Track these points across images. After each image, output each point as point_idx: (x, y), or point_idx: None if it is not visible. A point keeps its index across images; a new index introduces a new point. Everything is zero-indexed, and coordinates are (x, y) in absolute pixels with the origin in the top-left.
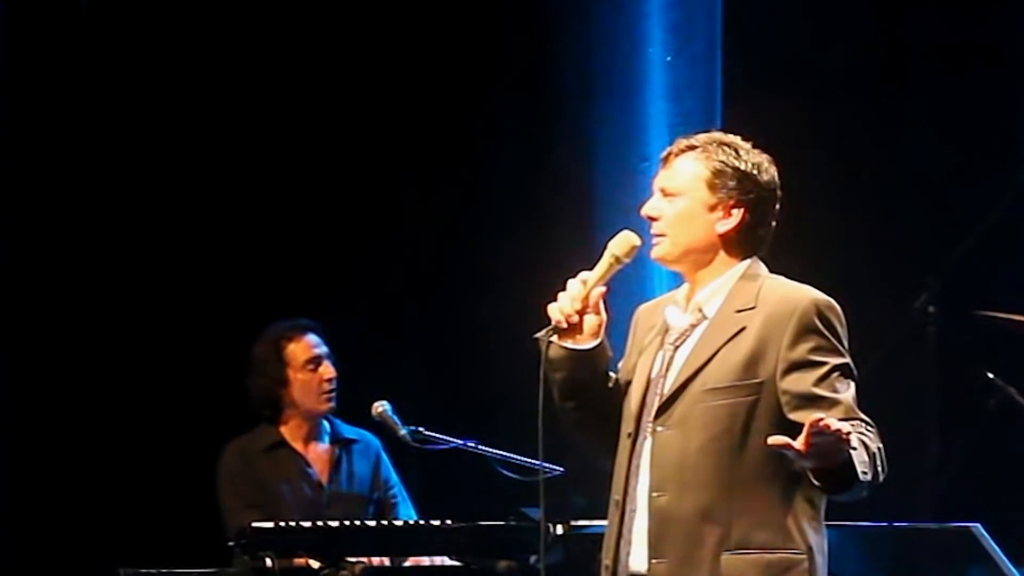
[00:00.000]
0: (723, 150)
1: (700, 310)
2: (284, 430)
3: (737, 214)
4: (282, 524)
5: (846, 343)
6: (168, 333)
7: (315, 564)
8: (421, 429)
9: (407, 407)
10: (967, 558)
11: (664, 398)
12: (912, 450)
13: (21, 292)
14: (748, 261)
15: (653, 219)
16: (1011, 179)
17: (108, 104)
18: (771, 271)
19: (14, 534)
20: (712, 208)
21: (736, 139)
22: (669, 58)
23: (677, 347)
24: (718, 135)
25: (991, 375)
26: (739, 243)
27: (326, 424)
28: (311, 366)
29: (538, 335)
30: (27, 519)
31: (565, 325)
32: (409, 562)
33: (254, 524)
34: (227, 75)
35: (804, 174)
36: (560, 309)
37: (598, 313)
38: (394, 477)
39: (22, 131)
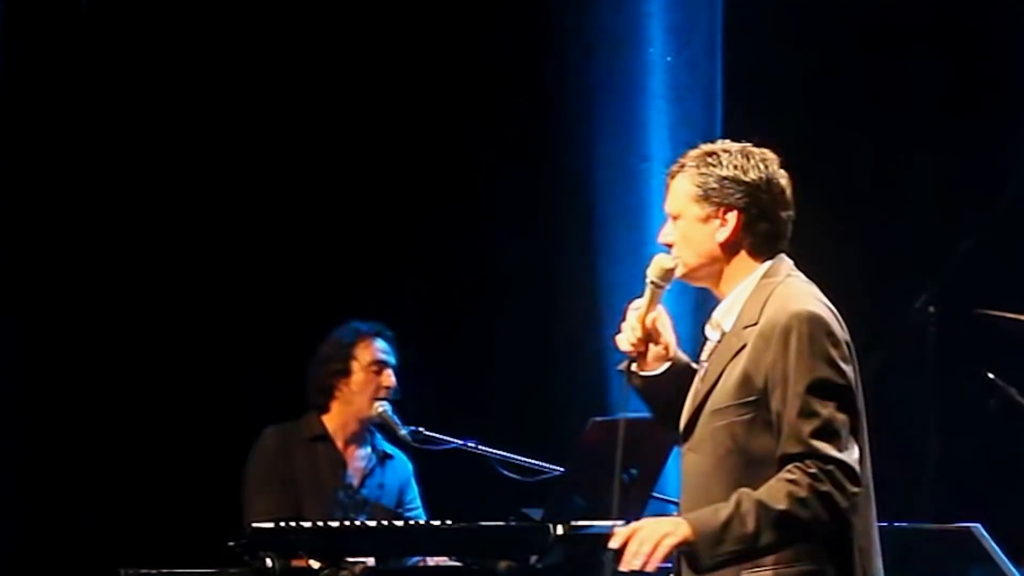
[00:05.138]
0: (706, 161)
1: (719, 327)
2: (329, 425)
3: (731, 218)
4: (282, 524)
5: (832, 352)
6: (169, 334)
7: (315, 564)
8: (421, 429)
9: (407, 407)
10: (967, 558)
11: (686, 420)
12: (912, 450)
13: (20, 293)
14: (767, 264)
15: (669, 246)
16: (1011, 179)
17: (108, 104)
18: None
19: (15, 534)
20: (705, 220)
21: (722, 145)
22: (669, 59)
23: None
24: (707, 147)
25: (991, 375)
26: (745, 244)
27: (368, 434)
28: (375, 368)
29: (619, 367)
30: (28, 519)
31: (635, 355)
32: (409, 562)
33: (254, 524)
34: (228, 75)
35: (804, 174)
36: (627, 340)
37: (657, 339)
38: (418, 500)
39: (22, 131)
